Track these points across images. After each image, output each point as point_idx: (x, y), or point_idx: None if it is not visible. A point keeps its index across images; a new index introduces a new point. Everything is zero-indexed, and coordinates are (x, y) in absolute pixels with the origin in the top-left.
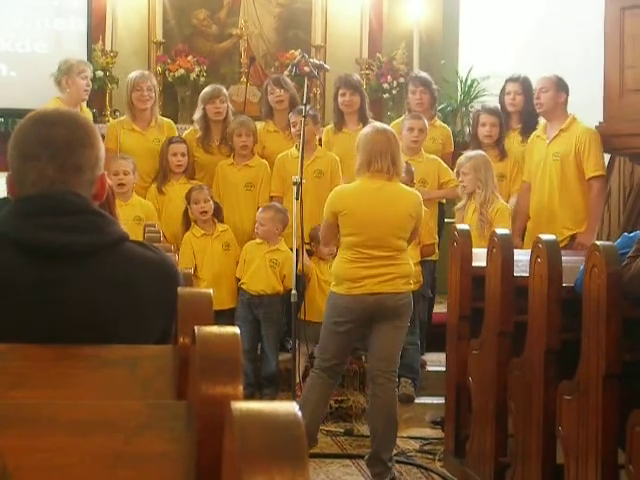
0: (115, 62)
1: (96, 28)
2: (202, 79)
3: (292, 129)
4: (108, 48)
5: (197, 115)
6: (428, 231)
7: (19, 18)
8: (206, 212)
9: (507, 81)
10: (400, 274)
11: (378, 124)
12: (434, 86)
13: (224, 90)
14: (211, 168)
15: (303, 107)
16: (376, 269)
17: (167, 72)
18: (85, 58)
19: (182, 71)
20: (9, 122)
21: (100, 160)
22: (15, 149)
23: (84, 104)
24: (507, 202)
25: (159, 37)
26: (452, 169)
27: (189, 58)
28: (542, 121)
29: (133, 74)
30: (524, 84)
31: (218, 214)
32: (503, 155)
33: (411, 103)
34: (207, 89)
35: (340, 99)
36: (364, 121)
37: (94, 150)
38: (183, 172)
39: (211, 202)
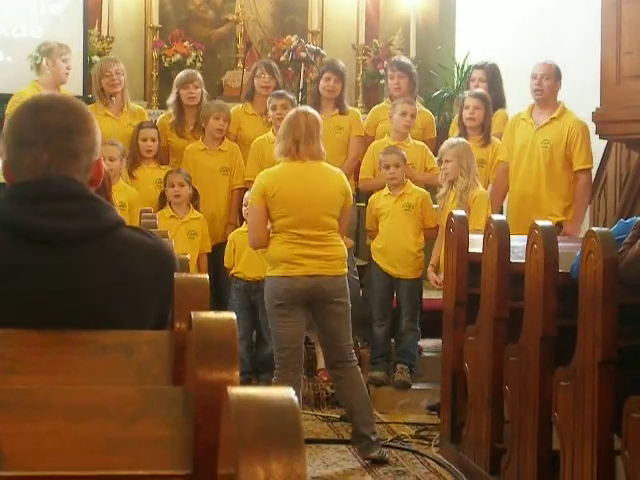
0: (111, 47)
1: (92, 13)
2: (198, 64)
3: (271, 112)
4: (104, 33)
5: (171, 99)
6: (431, 215)
7: (15, 3)
8: (179, 196)
9: (473, 67)
10: (337, 256)
11: (303, 107)
12: (413, 71)
13: (198, 75)
14: (184, 153)
15: (284, 91)
16: (312, 249)
17: (163, 57)
18: (81, 43)
19: (178, 56)
20: (4, 107)
21: (96, 145)
22: (10, 135)
23: (63, 87)
24: (486, 188)
25: (155, 22)
26: (435, 155)
27: (185, 43)
28: (519, 105)
29: (100, 59)
30: (489, 71)
31: (195, 199)
32: (487, 141)
33: (390, 88)
34: (181, 74)
35: (323, 83)
36: (340, 109)
37: (90, 135)
38: (154, 157)
39: (187, 187)
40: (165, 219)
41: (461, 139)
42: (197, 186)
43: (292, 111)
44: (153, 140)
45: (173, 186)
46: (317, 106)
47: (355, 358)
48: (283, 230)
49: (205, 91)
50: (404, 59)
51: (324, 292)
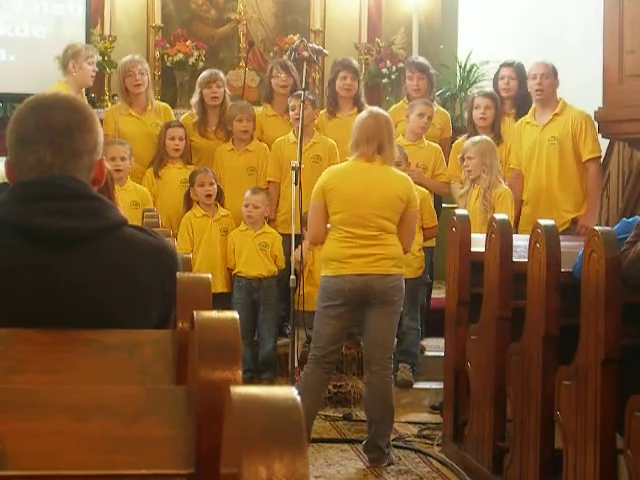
0: (114, 47)
1: (95, 13)
2: (201, 64)
3: (290, 113)
4: (107, 33)
5: (194, 99)
6: (430, 214)
7: (18, 2)
8: (211, 195)
9: (501, 66)
10: (387, 255)
11: (375, 109)
12: (432, 71)
13: (221, 75)
14: (207, 152)
15: (302, 91)
16: (362, 249)
17: (166, 57)
18: (84, 43)
19: (181, 56)
20: (8, 107)
21: (99, 145)
22: (13, 134)
23: (65, 85)
24: None
25: (158, 22)
26: (449, 154)
27: (188, 43)
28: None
29: (124, 59)
30: (518, 69)
31: (220, 198)
32: (499, 140)
33: (408, 89)
34: (204, 74)
35: (340, 82)
36: (359, 106)
37: (92, 135)
38: (180, 157)
39: (215, 185)
40: (197, 218)
41: (485, 137)
42: (224, 186)
43: (363, 112)
44: (181, 139)
45: (203, 185)
46: (335, 106)
47: (391, 366)
48: (336, 227)
49: (228, 90)
50: (422, 59)
51: (374, 291)
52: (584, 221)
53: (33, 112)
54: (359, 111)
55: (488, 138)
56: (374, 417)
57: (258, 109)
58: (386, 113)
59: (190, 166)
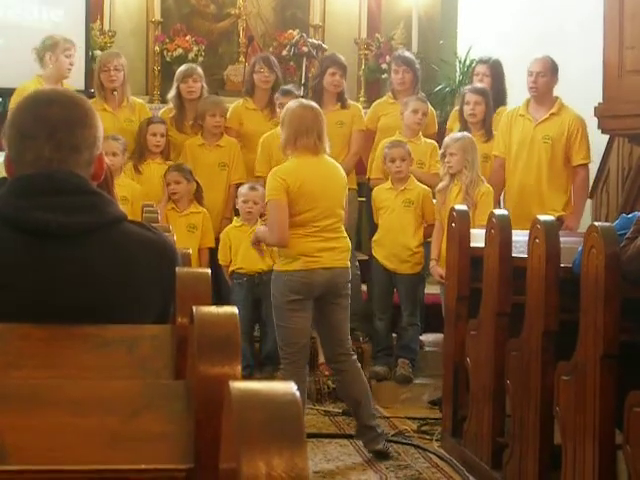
0: (113, 42)
1: (94, 8)
2: (200, 59)
3: (278, 110)
4: (106, 28)
5: (171, 94)
6: (431, 210)
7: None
8: (175, 193)
9: (477, 62)
10: (346, 248)
11: (304, 100)
12: (417, 66)
13: (198, 69)
14: (184, 147)
15: (291, 87)
16: (329, 242)
17: (165, 52)
18: (83, 38)
19: (180, 51)
20: (7, 102)
21: (98, 140)
22: (12, 128)
23: (65, 82)
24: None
25: (157, 17)
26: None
27: (187, 38)
28: (521, 99)
29: (102, 54)
30: (493, 66)
31: (198, 195)
32: (489, 136)
33: (394, 82)
34: (181, 68)
35: (329, 78)
36: (341, 103)
37: (92, 130)
38: (160, 152)
39: (184, 184)
40: (167, 211)
41: (466, 133)
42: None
43: (292, 103)
44: (162, 135)
45: (169, 184)
46: (319, 101)
47: (353, 352)
48: (304, 224)
49: (205, 85)
50: (408, 54)
51: (337, 284)
52: (569, 223)
53: (32, 106)
54: (342, 107)
55: (470, 135)
56: (356, 399)
57: (238, 101)
58: (316, 104)
59: (169, 162)
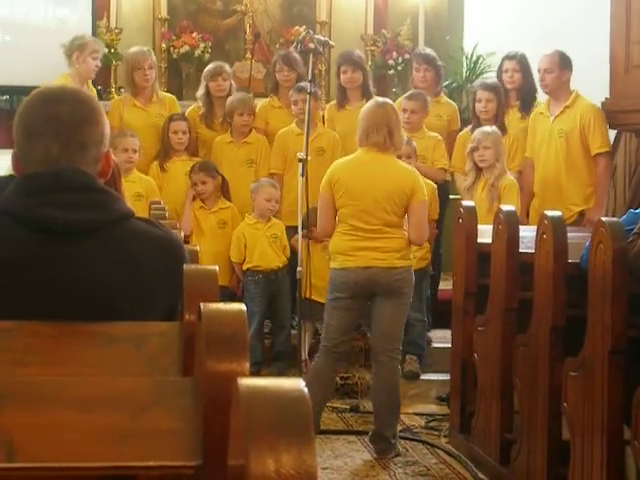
0: (120, 39)
1: (100, 5)
2: (207, 56)
3: (293, 107)
4: (113, 25)
5: (200, 92)
6: (436, 207)
7: None
8: (202, 193)
9: (504, 59)
10: (393, 248)
11: (380, 98)
12: (439, 63)
13: (227, 67)
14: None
15: (305, 84)
16: (367, 242)
17: (172, 49)
18: (91, 35)
19: (187, 48)
20: (14, 99)
21: (105, 137)
22: (20, 126)
23: (69, 78)
24: None
25: (164, 13)
26: (450, 153)
27: (194, 35)
28: (544, 97)
29: (132, 52)
30: (521, 61)
31: (225, 190)
32: (502, 132)
33: (415, 80)
34: (210, 66)
35: (342, 76)
36: (367, 97)
37: (99, 127)
38: (185, 149)
39: (210, 183)
40: (196, 211)
41: (494, 127)
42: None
43: (369, 102)
44: (184, 133)
45: (196, 185)
46: (344, 99)
47: (399, 357)
48: (343, 220)
49: (234, 83)
50: (429, 51)
51: (380, 284)
52: (591, 215)
53: (40, 104)
54: (367, 101)
55: (496, 128)
56: (380, 408)
57: (264, 100)
58: (391, 102)
59: (195, 158)
